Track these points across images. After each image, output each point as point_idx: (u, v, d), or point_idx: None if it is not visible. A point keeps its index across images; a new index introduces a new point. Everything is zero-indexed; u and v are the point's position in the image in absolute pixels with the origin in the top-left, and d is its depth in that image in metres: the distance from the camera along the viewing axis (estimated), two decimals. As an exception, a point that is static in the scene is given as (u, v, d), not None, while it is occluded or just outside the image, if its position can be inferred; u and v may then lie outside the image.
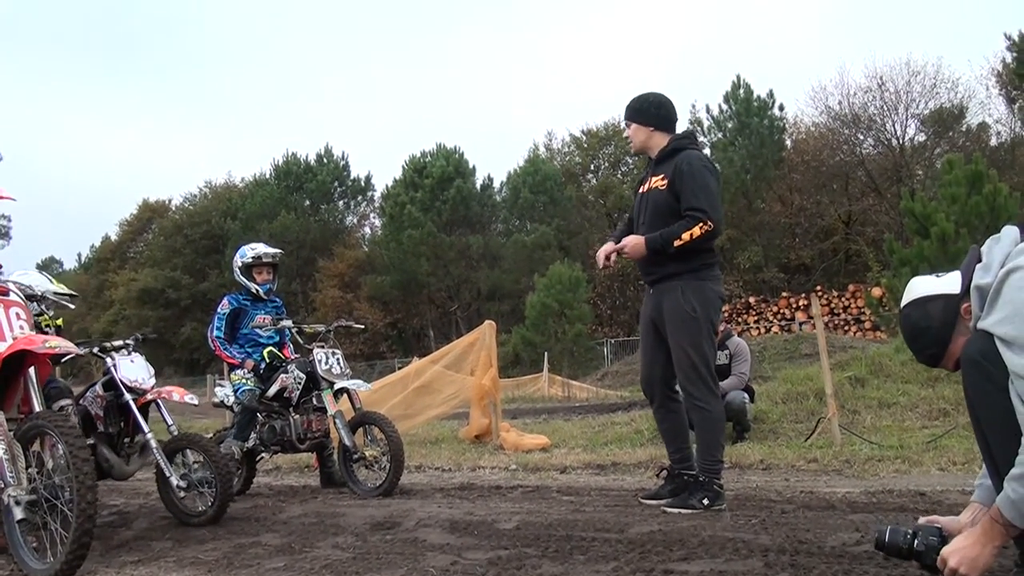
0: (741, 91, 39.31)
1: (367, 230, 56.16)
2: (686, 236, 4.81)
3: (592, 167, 48.46)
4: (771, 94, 39.29)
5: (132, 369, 5.52)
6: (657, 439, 8.38)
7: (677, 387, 5.24)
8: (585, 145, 48.11)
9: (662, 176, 5.02)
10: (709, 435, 4.94)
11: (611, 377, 26.95)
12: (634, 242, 5.00)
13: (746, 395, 8.28)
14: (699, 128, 41.82)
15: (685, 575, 3.31)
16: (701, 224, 4.80)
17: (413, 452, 8.32)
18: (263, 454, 6.99)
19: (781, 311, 33.21)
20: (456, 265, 43.51)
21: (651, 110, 5.23)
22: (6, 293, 4.44)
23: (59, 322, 5.94)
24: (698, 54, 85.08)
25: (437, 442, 9.83)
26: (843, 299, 31.91)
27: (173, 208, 59.96)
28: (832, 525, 4.09)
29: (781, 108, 39.59)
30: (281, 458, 8.09)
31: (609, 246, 5.25)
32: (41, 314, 5.57)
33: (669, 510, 4.81)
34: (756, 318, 33.73)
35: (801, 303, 32.56)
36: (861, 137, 38.22)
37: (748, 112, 38.69)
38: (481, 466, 7.68)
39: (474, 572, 3.54)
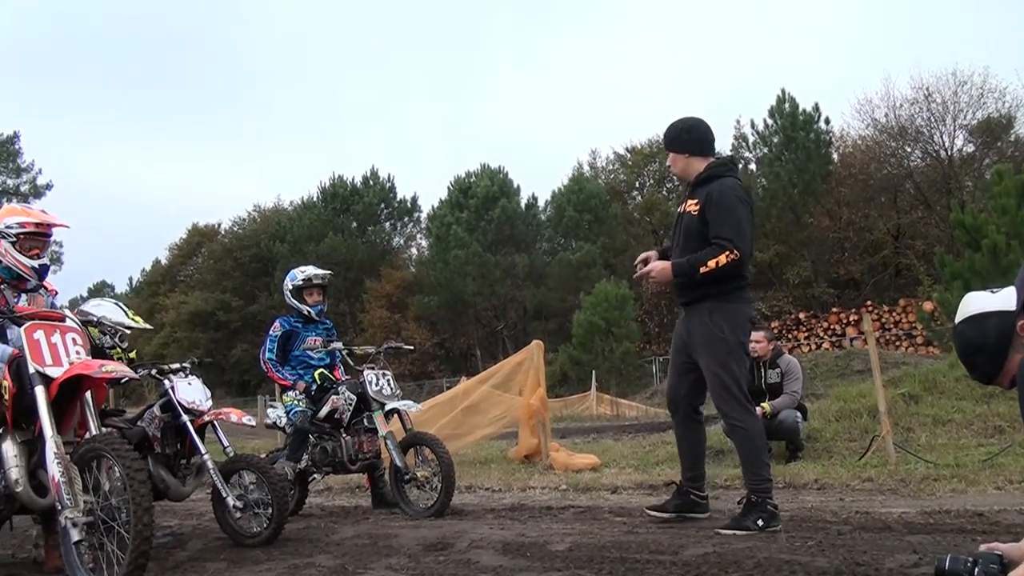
0: (786, 105, 38.98)
1: (414, 251, 56.50)
2: (711, 264, 4.88)
3: (637, 184, 48.28)
4: (816, 107, 38.93)
5: (189, 391, 5.59)
6: (710, 458, 8.30)
7: (701, 408, 5.38)
8: (629, 162, 47.97)
9: (696, 201, 5.11)
10: (751, 453, 4.99)
11: (660, 395, 26.70)
12: (661, 267, 5.12)
13: (799, 414, 8.17)
14: (744, 143, 41.63)
15: (742, 597, 3.29)
16: (727, 253, 4.87)
17: (463, 472, 8.32)
18: (315, 475, 7.04)
19: (832, 327, 32.77)
20: (502, 284, 43.52)
21: (683, 136, 5.32)
22: (62, 319, 4.52)
23: (132, 355, 6.01)
24: (742, 68, 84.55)
25: (486, 462, 9.81)
26: (894, 314, 31.37)
27: (222, 232, 60.70)
28: (889, 547, 4.04)
29: (827, 121, 39.20)
30: (332, 479, 8.13)
31: (651, 255, 5.39)
32: (113, 347, 5.66)
33: (723, 532, 4.78)
34: (806, 334, 33.32)
35: (852, 318, 32.11)
36: (908, 149, 37.65)
37: (794, 126, 38.35)
38: (531, 486, 7.66)
39: (528, 594, 3.53)
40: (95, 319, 5.81)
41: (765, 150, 39.99)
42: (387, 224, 55.71)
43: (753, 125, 40.58)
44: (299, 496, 6.93)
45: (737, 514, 4.96)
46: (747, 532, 4.71)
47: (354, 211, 53.10)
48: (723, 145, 44.34)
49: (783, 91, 39.32)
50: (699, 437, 5.44)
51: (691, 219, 5.10)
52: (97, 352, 5.48)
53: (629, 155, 47.91)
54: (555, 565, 4.03)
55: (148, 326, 6.29)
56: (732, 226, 4.93)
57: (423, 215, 54.35)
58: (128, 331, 5.71)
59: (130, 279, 68.13)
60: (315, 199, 54.36)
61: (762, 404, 8.03)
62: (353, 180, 54.62)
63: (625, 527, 5.13)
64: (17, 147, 64.98)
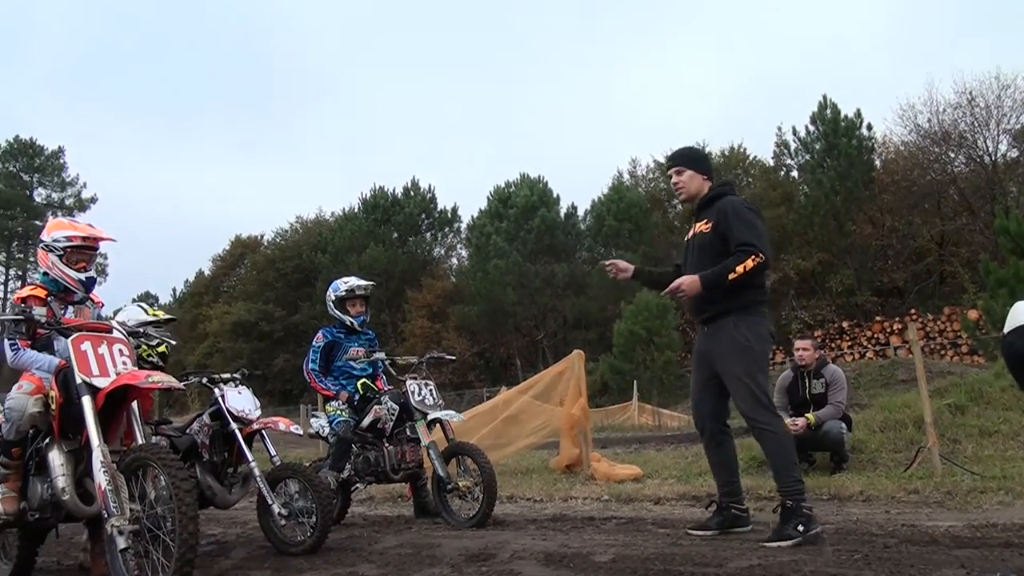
0: (828, 112, 38.70)
1: (454, 261, 56.69)
2: (740, 269, 4.96)
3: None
4: (858, 114, 38.66)
5: (239, 400, 5.68)
6: (753, 469, 8.26)
7: (728, 422, 5.46)
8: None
9: (706, 221, 5.27)
10: (781, 457, 5.05)
11: (701, 406, 26.54)
12: (689, 280, 5.13)
13: (843, 424, 8.08)
14: (786, 150, 41.38)
15: (789, 611, 3.24)
16: (753, 257, 4.97)
17: (504, 482, 8.31)
18: (358, 484, 7.07)
19: (875, 336, 32.43)
20: (542, 294, 43.50)
21: (705, 160, 5.61)
22: (109, 331, 4.58)
23: (162, 348, 6.05)
24: (783, 75, 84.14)
25: (527, 472, 9.79)
26: (939, 322, 30.95)
27: (265, 243, 61.28)
28: (936, 561, 3.98)
29: (869, 128, 38.92)
30: (374, 488, 8.16)
31: (621, 263, 5.63)
32: (138, 347, 5.72)
33: (768, 545, 4.76)
34: (850, 343, 33.00)
35: (895, 327, 31.74)
36: (952, 155, 37.07)
37: (836, 133, 38.06)
38: (573, 497, 7.63)
39: (572, 605, 3.51)
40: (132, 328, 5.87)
41: (807, 157, 39.69)
42: (427, 234, 55.99)
43: (795, 132, 40.37)
44: (342, 505, 6.96)
45: (777, 524, 4.95)
46: (792, 541, 4.71)
47: (395, 222, 53.43)
48: (765, 152, 44.24)
49: (824, 97, 39.11)
50: (730, 451, 5.49)
51: (703, 237, 5.26)
52: (141, 361, 5.56)
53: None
54: (598, 577, 4.01)
55: (168, 316, 6.34)
56: (753, 233, 5.05)
57: (463, 225, 54.58)
58: (157, 333, 5.76)
59: (174, 290, 69.04)
60: (356, 210, 54.76)
61: (806, 415, 7.96)
62: (394, 191, 55.03)
63: (669, 539, 5.09)
64: (62, 161, 66.35)
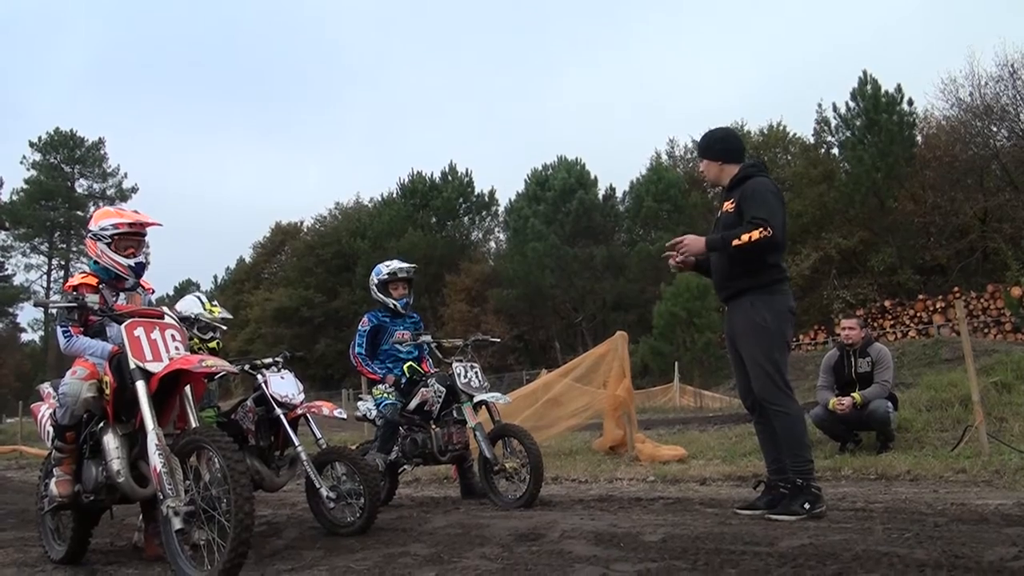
0: (868, 87, 38.08)
1: (492, 244, 56.72)
2: (744, 238, 5.03)
3: (717, 172, 47.60)
4: (899, 89, 37.97)
5: (282, 385, 5.72)
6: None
7: None
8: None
9: (731, 201, 5.39)
10: (794, 437, 5.15)
11: (744, 386, 26.39)
12: (693, 238, 5.32)
13: (890, 404, 8.01)
14: (827, 127, 40.81)
15: (841, 589, 3.23)
16: (760, 229, 5.01)
17: (548, 464, 8.32)
18: (405, 466, 7.12)
19: (918, 314, 32.04)
20: (580, 276, 43.40)
21: (716, 146, 5.64)
22: (161, 316, 4.64)
23: (213, 344, 6.14)
24: (823, 51, 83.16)
25: (571, 454, 9.81)
26: (982, 300, 30.50)
27: (305, 230, 61.65)
28: (988, 539, 3.94)
29: (910, 103, 38.18)
30: (420, 470, 8.21)
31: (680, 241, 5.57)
32: (191, 338, 5.79)
33: (773, 518, 4.95)
34: (892, 322, 32.64)
35: (938, 305, 31.34)
36: (994, 129, 36.22)
37: (876, 108, 37.43)
38: (618, 478, 7.65)
39: (624, 584, 3.51)
40: (188, 315, 5.94)
41: (848, 134, 39.14)
42: (465, 218, 56.05)
43: (835, 108, 39.76)
44: (389, 487, 7.01)
45: (785, 500, 5.08)
46: (797, 516, 4.88)
47: (433, 206, 53.54)
48: (805, 130, 43.66)
49: (865, 73, 38.49)
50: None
51: (728, 217, 5.35)
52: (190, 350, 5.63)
53: (709, 144, 47.17)
54: (650, 556, 4.01)
55: (225, 314, 6.40)
56: (765, 209, 5.12)
57: (501, 208, 54.54)
58: (210, 321, 5.81)
59: (215, 277, 69.74)
60: (395, 195, 54.91)
61: (853, 394, 7.90)
62: (432, 175, 55.14)
63: (717, 518, 5.09)
64: (103, 152, 67.05)
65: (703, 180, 6.58)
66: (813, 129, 42.33)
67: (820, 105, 41.26)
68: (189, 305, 6.03)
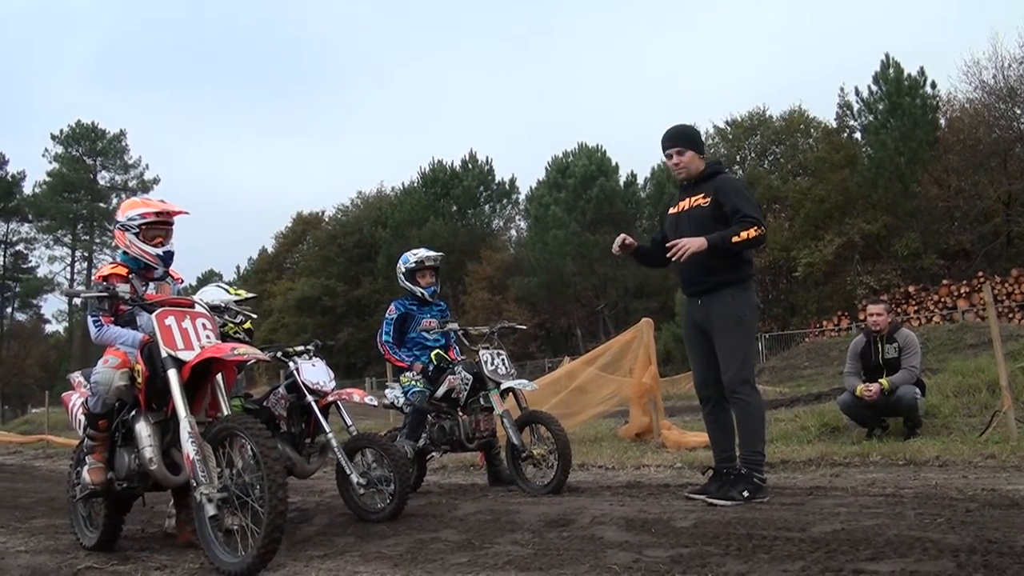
0: (891, 70, 37.60)
1: (513, 232, 56.69)
2: (743, 235, 5.21)
3: (738, 158, 47.22)
4: (922, 71, 37.41)
5: (313, 372, 5.77)
6: (826, 435, 8.25)
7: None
8: (730, 136, 46.86)
9: (703, 195, 5.51)
10: (753, 428, 5.36)
11: (768, 373, 26.31)
12: (692, 240, 5.26)
13: (917, 390, 7.95)
14: (849, 111, 40.35)
15: (875, 575, 3.21)
16: (756, 228, 5.24)
17: (575, 450, 8.28)
18: (433, 453, 7.14)
19: (942, 300, 31.77)
20: (602, 264, 43.28)
21: (698, 139, 5.86)
22: (191, 305, 4.67)
23: (247, 325, 6.17)
24: (844, 34, 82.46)
25: (597, 441, 9.81)
26: (1006, 285, 30.18)
27: (326, 219, 61.80)
28: (1020, 524, 3.95)
29: (933, 86, 37.58)
30: (447, 457, 8.23)
31: (626, 239, 5.88)
32: (224, 324, 5.83)
33: (712, 502, 5.14)
34: (916, 308, 32.36)
35: (962, 291, 31.06)
36: (1018, 111, 35.55)
37: (899, 92, 36.94)
38: (645, 464, 7.64)
39: (657, 570, 3.52)
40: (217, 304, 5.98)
41: (870, 118, 38.76)
42: (486, 207, 56.05)
43: (857, 92, 39.33)
44: (418, 474, 7.03)
45: (726, 486, 5.31)
46: (734, 502, 5.08)
47: (454, 195, 53.55)
48: (827, 114, 43.32)
49: (887, 56, 37.99)
50: (729, 419, 5.64)
51: (702, 210, 5.48)
52: (224, 336, 5.67)
53: (729, 129, 46.83)
54: (681, 541, 4.01)
55: (250, 294, 6.43)
56: (754, 208, 5.37)
57: (521, 196, 54.50)
58: (238, 308, 5.85)
59: (238, 267, 69.94)
60: (416, 184, 54.93)
61: (880, 380, 7.85)
62: (452, 164, 55.10)
63: (748, 504, 5.08)
64: (124, 144, 67.48)
65: (678, 171, 6.51)
66: (835, 113, 41.97)
67: (842, 89, 40.83)
68: (214, 295, 6.07)
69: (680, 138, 5.69)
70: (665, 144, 5.70)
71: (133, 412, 4.66)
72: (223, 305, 5.47)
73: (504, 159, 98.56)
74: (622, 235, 5.91)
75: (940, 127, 37.77)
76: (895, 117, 36.72)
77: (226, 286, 6.41)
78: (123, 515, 5.11)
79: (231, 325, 5.93)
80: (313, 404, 5.66)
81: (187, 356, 4.33)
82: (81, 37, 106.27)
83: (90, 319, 4.92)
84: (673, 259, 5.32)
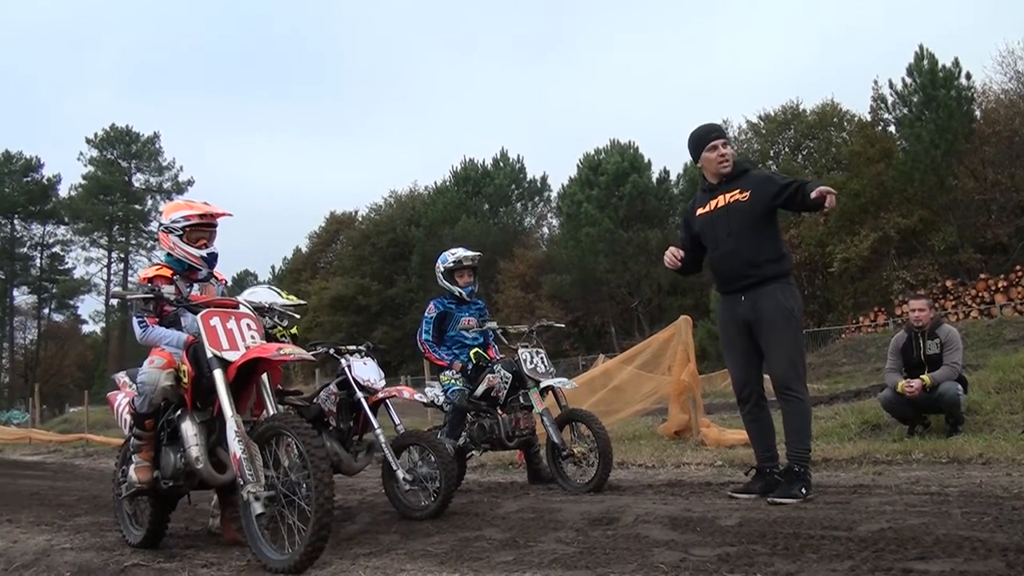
0: (925, 62, 37.18)
1: (545, 230, 56.80)
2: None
3: (771, 152, 46.83)
4: (956, 63, 36.91)
5: (365, 370, 5.83)
6: (867, 433, 8.16)
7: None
8: (763, 131, 46.50)
9: (739, 191, 5.48)
10: (803, 426, 5.34)
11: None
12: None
13: (960, 386, 7.84)
14: (883, 104, 39.93)
15: (925, 575, 3.19)
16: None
17: (613, 449, 8.33)
18: (473, 451, 7.16)
19: (980, 294, 31.40)
20: (635, 261, 43.23)
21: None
22: (236, 306, 4.71)
23: (294, 331, 6.23)
24: (878, 27, 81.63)
25: (635, 438, 9.77)
26: (1045, 279, 29.84)
27: (359, 219, 62.12)
28: (1069, 522, 3.88)
29: (968, 77, 37.07)
30: (486, 455, 8.24)
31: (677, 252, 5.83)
32: (275, 326, 5.89)
33: (777, 501, 5.08)
34: (954, 303, 32.00)
35: (1000, 285, 30.68)
36: (1054, 101, 35.37)
37: (934, 84, 36.51)
38: (685, 462, 7.62)
39: (705, 568, 3.50)
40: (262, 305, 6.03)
41: (905, 111, 38.35)
42: (518, 205, 56.18)
43: (891, 85, 38.94)
44: (458, 472, 7.04)
45: (782, 485, 5.24)
46: (795, 500, 5.05)
47: (486, 193, 53.71)
48: (861, 107, 42.85)
49: (921, 47, 37.56)
50: (769, 418, 5.67)
51: (742, 206, 5.43)
52: (267, 336, 5.72)
53: (762, 123, 46.45)
54: (727, 540, 4.00)
55: (301, 301, 6.49)
56: None
57: (553, 194, 54.56)
58: (283, 310, 5.91)
59: (272, 268, 70.47)
60: (448, 183, 55.07)
61: (922, 376, 7.76)
62: (484, 162, 55.25)
63: (792, 503, 5.05)
64: (158, 146, 68.24)
65: (724, 163, 6.47)
66: (869, 106, 41.53)
67: (876, 82, 40.46)
68: (265, 296, 6.12)
69: (725, 132, 5.73)
70: (712, 136, 5.66)
71: (179, 412, 4.69)
72: (267, 305, 5.52)
73: (535, 157, 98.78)
74: (671, 248, 5.88)
75: (975, 119, 37.25)
76: (930, 109, 36.30)
77: (278, 289, 6.45)
78: (168, 513, 5.16)
79: (280, 328, 5.98)
80: (363, 401, 5.72)
81: (232, 356, 4.36)
82: (114, 42, 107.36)
83: (135, 320, 4.98)
84: (827, 206, 5.24)
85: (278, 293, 6.22)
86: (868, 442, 7.67)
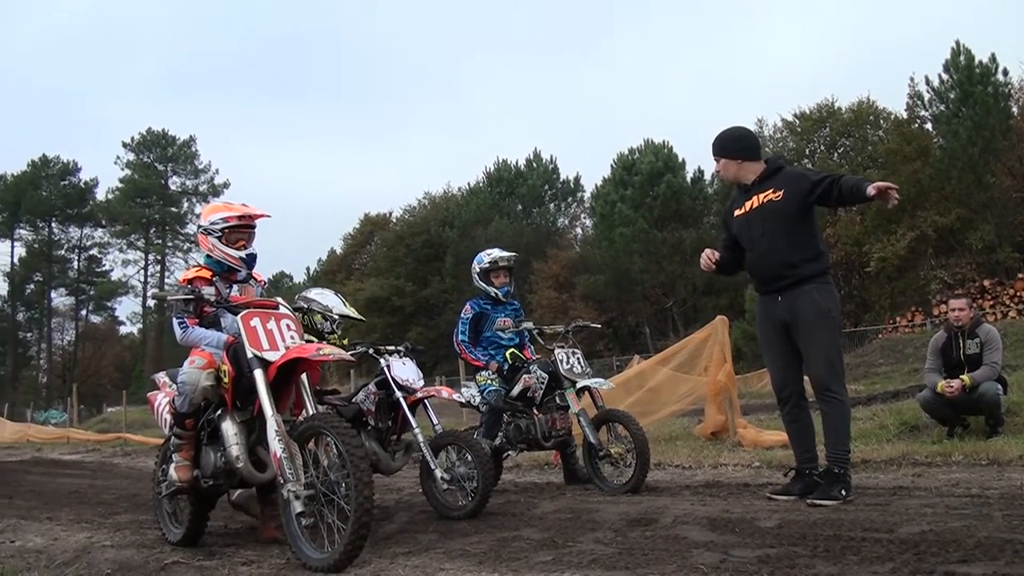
0: (961, 58, 36.59)
1: (579, 231, 56.67)
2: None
3: (807, 151, 46.38)
4: (993, 58, 36.23)
5: (404, 370, 5.87)
6: (906, 434, 8.09)
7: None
8: (799, 129, 45.97)
9: (772, 190, 5.45)
10: (842, 427, 5.30)
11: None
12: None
13: (999, 386, 7.75)
14: (920, 101, 39.36)
15: (967, 578, 3.17)
16: None
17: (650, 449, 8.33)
18: (509, 452, 7.17)
19: (1018, 294, 30.95)
20: (670, 261, 43.05)
21: (735, 145, 5.71)
22: (275, 307, 4.75)
23: (345, 341, 6.27)
24: (913, 23, 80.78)
25: (672, 439, 9.74)
26: (1084, 278, 29.37)
27: (393, 220, 62.35)
28: (1111, 526, 3.83)
29: (1005, 73, 36.43)
30: (521, 456, 8.24)
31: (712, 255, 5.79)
32: (332, 332, 5.95)
33: (817, 503, 5.05)
34: (992, 302, 31.56)
35: (1039, 284, 30.26)
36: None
37: (971, 80, 35.90)
38: (722, 463, 7.58)
39: (745, 570, 3.49)
40: (317, 306, 6.09)
41: (941, 108, 37.86)
42: (551, 205, 56.14)
43: (928, 82, 38.43)
44: (495, 472, 7.06)
45: (822, 486, 5.20)
46: (835, 502, 5.01)
47: (519, 194, 53.73)
48: (898, 105, 42.36)
49: (957, 43, 36.96)
50: (810, 418, 5.63)
51: (776, 205, 5.42)
52: (316, 335, 5.79)
53: (798, 122, 46.01)
54: (767, 542, 3.98)
55: (361, 317, 6.55)
56: None
57: (587, 194, 54.44)
58: (339, 318, 5.95)
59: (307, 269, 70.86)
60: (481, 184, 55.14)
61: (962, 376, 7.68)
62: (517, 163, 55.26)
63: (832, 504, 5.01)
64: (194, 150, 68.98)
65: (723, 179, 6.73)
66: (905, 104, 41.03)
67: (912, 79, 39.94)
68: (330, 300, 6.18)
69: (717, 147, 5.75)
70: (713, 152, 5.78)
71: (219, 411, 4.75)
72: (306, 306, 5.55)
73: (568, 157, 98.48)
74: (707, 251, 5.86)
75: (1013, 115, 36.69)
76: (967, 106, 35.76)
77: (343, 298, 6.48)
78: (208, 511, 5.21)
79: (335, 337, 6.04)
80: (402, 400, 5.76)
81: (272, 356, 4.41)
82: (150, 46, 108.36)
83: (175, 321, 5.04)
84: (891, 203, 5.31)
85: (343, 302, 6.26)
86: (907, 443, 7.60)
